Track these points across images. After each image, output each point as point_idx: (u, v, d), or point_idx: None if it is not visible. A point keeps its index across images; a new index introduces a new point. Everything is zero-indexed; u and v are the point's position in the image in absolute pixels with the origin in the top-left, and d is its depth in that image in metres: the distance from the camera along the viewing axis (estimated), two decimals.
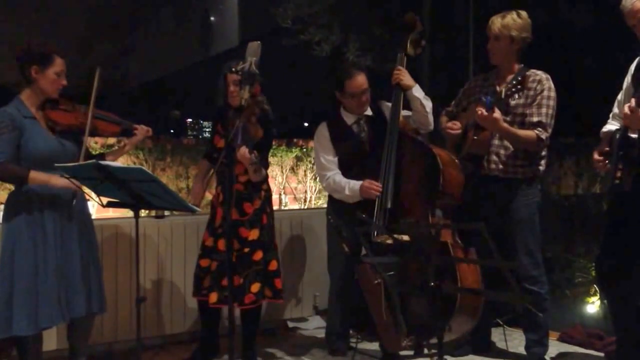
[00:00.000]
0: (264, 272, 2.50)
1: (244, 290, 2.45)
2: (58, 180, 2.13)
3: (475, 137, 2.42)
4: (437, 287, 1.77)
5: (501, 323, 2.84)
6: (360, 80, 2.56)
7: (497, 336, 2.81)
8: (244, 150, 2.26)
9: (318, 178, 2.79)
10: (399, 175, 2.44)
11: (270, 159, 2.77)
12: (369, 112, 2.66)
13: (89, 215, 2.35)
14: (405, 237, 1.96)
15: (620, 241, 2.15)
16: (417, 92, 2.54)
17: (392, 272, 2.07)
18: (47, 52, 2.16)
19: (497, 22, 2.41)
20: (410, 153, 2.46)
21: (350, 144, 2.62)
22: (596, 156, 2.15)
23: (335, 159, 2.62)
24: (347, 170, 2.59)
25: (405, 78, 2.52)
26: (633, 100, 1.97)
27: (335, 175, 2.59)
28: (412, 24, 2.56)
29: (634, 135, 2.00)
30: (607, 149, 2.10)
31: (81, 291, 2.20)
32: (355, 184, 2.51)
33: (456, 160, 2.45)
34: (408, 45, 2.55)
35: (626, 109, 1.97)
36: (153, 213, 3.02)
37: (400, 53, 2.57)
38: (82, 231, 2.25)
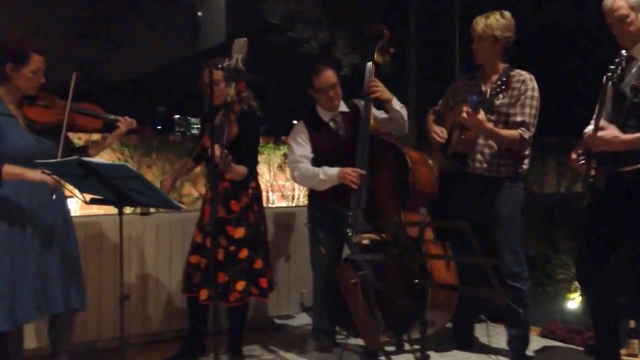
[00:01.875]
0: (249, 270, 2.50)
1: (229, 288, 2.44)
2: (33, 174, 2.06)
3: (462, 137, 2.46)
4: (421, 284, 1.79)
5: (484, 319, 2.88)
6: (328, 74, 2.59)
7: (480, 332, 2.85)
8: (215, 148, 2.26)
9: (289, 171, 2.79)
10: (372, 177, 2.47)
11: (258, 157, 2.75)
12: (344, 108, 2.68)
13: (68, 211, 2.32)
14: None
15: (598, 238, 2.20)
16: (396, 104, 2.58)
17: (365, 271, 2.09)
18: (23, 50, 2.09)
19: (480, 23, 2.44)
20: (382, 154, 2.50)
21: (329, 141, 2.64)
22: (573, 156, 2.20)
23: (310, 156, 2.63)
24: (326, 166, 2.58)
25: (384, 92, 2.54)
26: (591, 128, 2.03)
27: (307, 164, 2.61)
28: (379, 33, 2.60)
29: None
30: (580, 151, 2.15)
31: (59, 287, 2.17)
32: (330, 168, 2.52)
33: (427, 159, 2.49)
34: (376, 54, 2.58)
35: (585, 135, 2.03)
36: (138, 210, 3.00)
37: (369, 62, 2.59)
38: (61, 227, 2.22)
